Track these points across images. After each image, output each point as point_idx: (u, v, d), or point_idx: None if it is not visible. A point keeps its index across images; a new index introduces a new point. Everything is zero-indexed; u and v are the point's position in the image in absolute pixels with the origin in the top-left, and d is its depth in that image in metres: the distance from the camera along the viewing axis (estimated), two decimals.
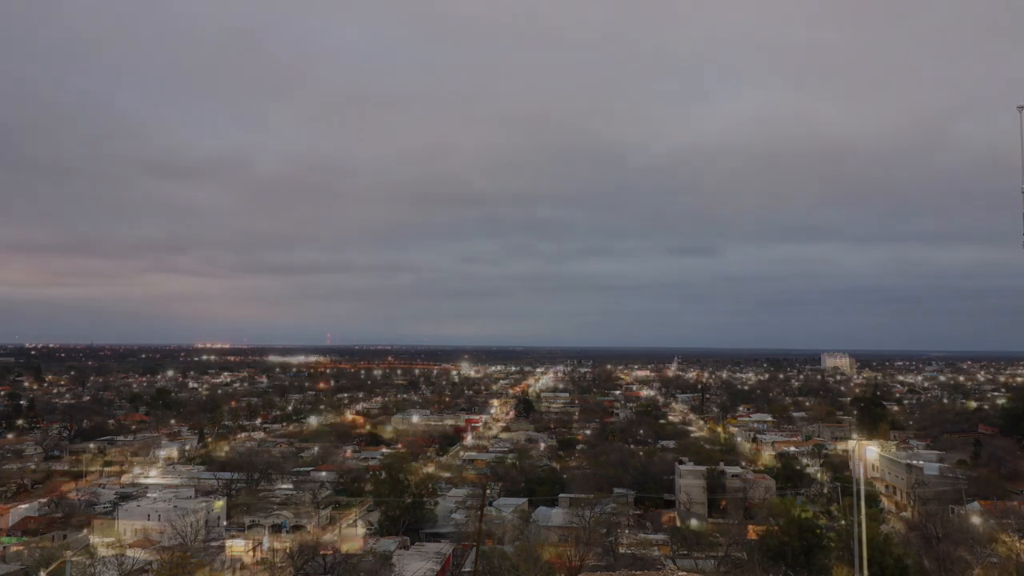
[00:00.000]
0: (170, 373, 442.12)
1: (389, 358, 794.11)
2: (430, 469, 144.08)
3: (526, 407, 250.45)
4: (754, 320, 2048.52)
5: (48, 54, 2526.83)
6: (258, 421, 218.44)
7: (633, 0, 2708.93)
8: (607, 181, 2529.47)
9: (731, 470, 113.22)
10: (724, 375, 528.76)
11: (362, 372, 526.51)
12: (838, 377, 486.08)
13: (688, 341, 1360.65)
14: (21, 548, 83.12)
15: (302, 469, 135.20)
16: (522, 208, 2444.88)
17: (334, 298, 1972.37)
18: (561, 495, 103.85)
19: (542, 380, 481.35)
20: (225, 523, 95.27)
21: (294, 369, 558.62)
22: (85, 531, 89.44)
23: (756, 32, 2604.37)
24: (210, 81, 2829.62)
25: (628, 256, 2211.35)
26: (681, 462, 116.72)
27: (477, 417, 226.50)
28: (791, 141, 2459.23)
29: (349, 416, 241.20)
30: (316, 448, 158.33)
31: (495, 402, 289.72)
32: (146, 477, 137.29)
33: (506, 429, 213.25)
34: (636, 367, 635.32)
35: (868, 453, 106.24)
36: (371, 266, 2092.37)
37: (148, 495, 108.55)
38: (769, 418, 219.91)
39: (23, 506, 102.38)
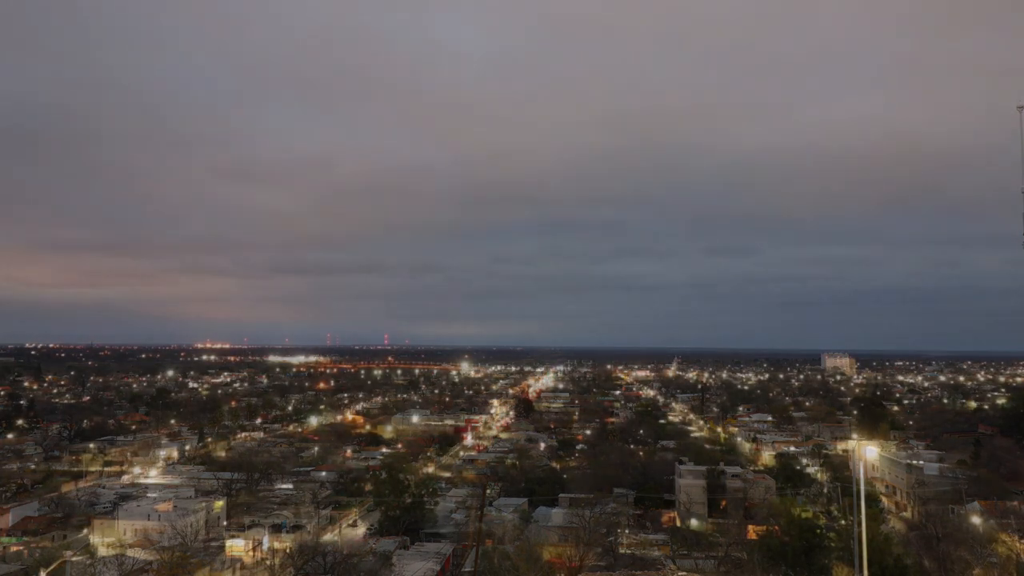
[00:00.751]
0: (170, 373, 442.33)
1: (389, 358, 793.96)
2: (430, 469, 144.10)
3: (526, 407, 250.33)
4: (766, 321, 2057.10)
5: (135, 49, 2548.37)
6: (258, 421, 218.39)
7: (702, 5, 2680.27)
8: (667, 183, 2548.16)
9: (731, 470, 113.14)
10: (724, 375, 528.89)
11: (362, 372, 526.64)
12: (838, 377, 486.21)
13: (703, 341, 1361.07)
14: (21, 548, 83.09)
15: (302, 469, 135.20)
16: (575, 209, 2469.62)
17: (358, 298, 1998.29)
18: (561, 495, 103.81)
19: (542, 380, 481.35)
20: (225, 523, 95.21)
21: (294, 369, 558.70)
22: (85, 531, 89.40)
23: (830, 39, 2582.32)
24: (291, 83, 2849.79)
25: (666, 257, 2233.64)
26: (681, 462, 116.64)
27: (477, 417, 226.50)
28: (862, 144, 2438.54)
29: (349, 416, 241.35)
30: (316, 448, 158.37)
31: (495, 402, 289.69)
32: (146, 477, 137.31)
33: (506, 429, 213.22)
34: (636, 367, 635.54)
35: (868, 453, 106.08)
36: (400, 266, 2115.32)
37: (148, 495, 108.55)
38: (769, 418, 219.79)
39: (23, 506, 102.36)
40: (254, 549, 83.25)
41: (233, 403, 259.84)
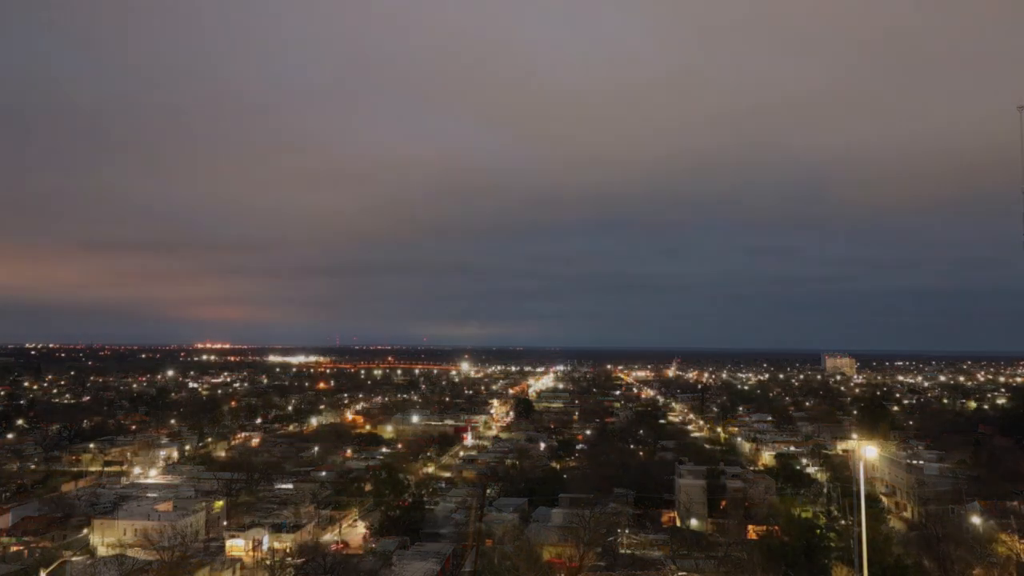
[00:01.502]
0: (170, 373, 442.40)
1: (389, 358, 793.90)
2: (430, 469, 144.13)
3: (526, 407, 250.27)
4: (782, 320, 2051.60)
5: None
6: (258, 421, 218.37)
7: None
8: (753, 184, 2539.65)
9: (731, 470, 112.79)
10: (724, 375, 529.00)
11: (362, 372, 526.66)
12: (838, 377, 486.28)
13: (715, 342, 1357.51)
14: (21, 548, 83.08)
15: (302, 469, 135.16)
16: (636, 209, 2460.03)
17: (380, 299, 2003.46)
18: (561, 495, 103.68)
19: (543, 380, 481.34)
20: (225, 523, 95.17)
21: (294, 369, 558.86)
22: (85, 531, 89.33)
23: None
24: (386, 84, 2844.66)
25: (707, 257, 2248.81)
26: (681, 462, 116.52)
27: (477, 418, 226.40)
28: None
29: (349, 416, 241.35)
30: (316, 448, 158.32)
31: (495, 402, 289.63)
32: (146, 477, 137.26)
33: (506, 429, 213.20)
34: (636, 367, 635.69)
35: (868, 453, 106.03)
36: (431, 266, 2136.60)
37: (148, 495, 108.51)
38: (769, 418, 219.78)
39: (23, 506, 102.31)
40: (254, 549, 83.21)
41: (233, 403, 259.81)
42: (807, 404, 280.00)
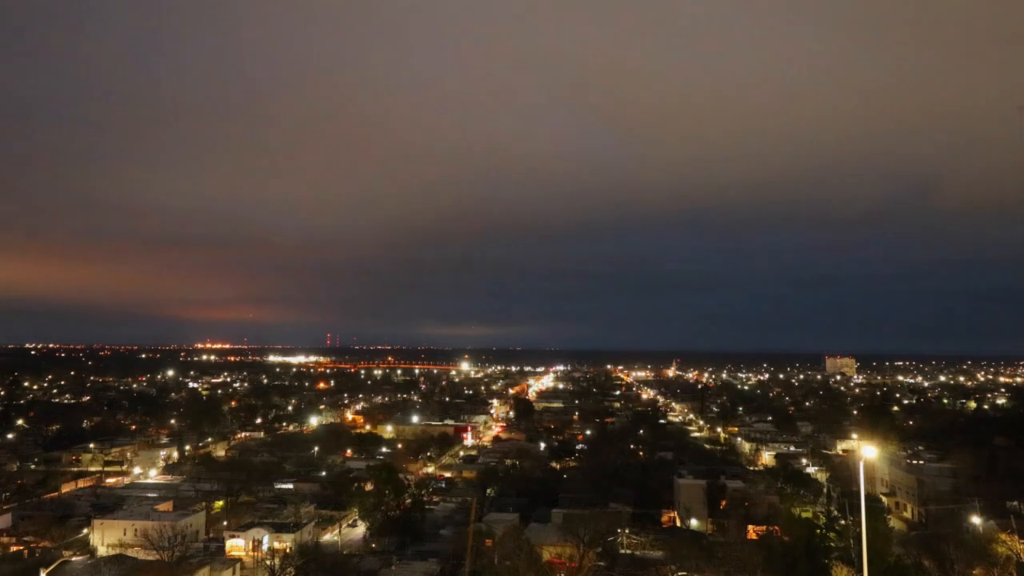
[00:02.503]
0: (170, 373, 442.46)
1: (389, 358, 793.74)
2: (430, 469, 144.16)
3: (526, 408, 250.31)
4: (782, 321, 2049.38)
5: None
6: (258, 421, 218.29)
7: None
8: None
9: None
10: (724, 376, 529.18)
11: (362, 372, 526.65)
12: (838, 377, 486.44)
13: (718, 342, 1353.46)
14: (21, 548, 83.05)
15: (302, 469, 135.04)
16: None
17: (386, 298, 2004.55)
18: (561, 495, 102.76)
19: (542, 380, 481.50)
20: (225, 523, 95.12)
21: (294, 369, 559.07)
22: (85, 531, 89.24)
23: None
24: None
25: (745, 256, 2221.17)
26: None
27: (477, 418, 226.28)
28: None
29: (349, 416, 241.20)
30: (316, 448, 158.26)
31: (495, 402, 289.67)
32: (146, 477, 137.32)
33: (506, 429, 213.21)
34: (636, 368, 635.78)
35: (869, 454, 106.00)
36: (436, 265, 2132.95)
37: (148, 495, 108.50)
38: (769, 419, 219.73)
39: (23, 506, 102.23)
40: (254, 549, 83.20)
41: (233, 403, 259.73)
42: (807, 404, 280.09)
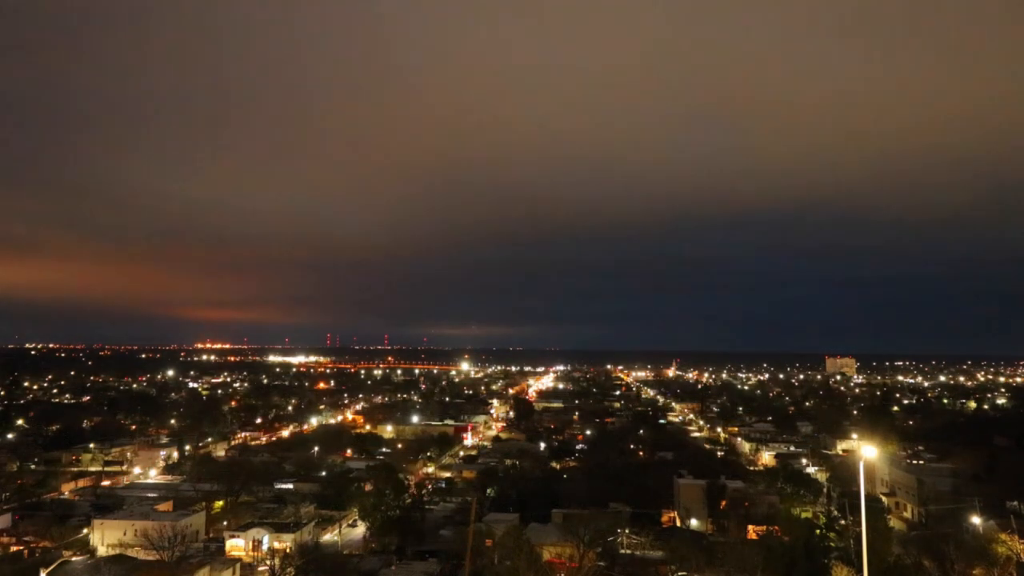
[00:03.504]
0: (170, 373, 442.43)
1: (389, 358, 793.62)
2: (430, 469, 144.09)
3: (526, 408, 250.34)
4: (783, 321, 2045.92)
5: None
6: (258, 421, 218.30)
7: None
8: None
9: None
10: (724, 376, 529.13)
11: (362, 372, 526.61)
12: (838, 377, 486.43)
13: (719, 343, 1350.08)
14: (21, 548, 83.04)
15: (302, 469, 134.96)
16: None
17: (386, 298, 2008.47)
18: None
19: (542, 380, 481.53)
20: (225, 523, 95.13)
21: (294, 369, 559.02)
22: (85, 531, 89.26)
23: None
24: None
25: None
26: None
27: (477, 418, 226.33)
28: None
29: (349, 416, 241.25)
30: (316, 448, 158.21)
31: (495, 402, 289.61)
32: (146, 477, 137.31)
33: (505, 429, 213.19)
34: (636, 368, 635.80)
35: (870, 455, 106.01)
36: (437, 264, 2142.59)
37: (148, 495, 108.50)
38: (769, 419, 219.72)
39: (23, 506, 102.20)
40: (254, 549, 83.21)
41: (233, 403, 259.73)
42: (807, 404, 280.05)
